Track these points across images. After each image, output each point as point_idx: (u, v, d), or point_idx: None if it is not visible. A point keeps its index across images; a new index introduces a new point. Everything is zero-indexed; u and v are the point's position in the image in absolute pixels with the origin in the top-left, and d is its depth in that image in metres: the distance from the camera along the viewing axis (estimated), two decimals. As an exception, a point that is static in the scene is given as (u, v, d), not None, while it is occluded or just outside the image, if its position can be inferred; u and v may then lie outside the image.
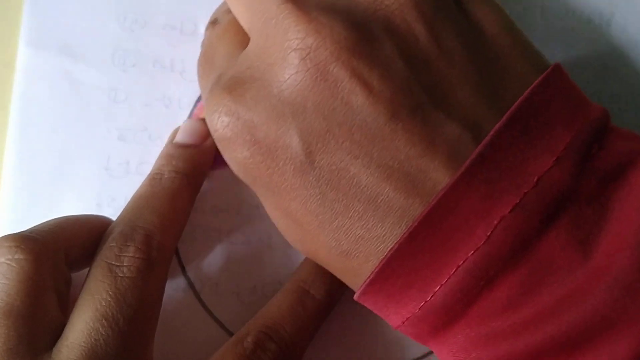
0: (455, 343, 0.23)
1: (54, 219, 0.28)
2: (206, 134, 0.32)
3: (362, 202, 0.22)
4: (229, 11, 0.28)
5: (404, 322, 0.23)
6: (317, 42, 0.22)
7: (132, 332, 0.25)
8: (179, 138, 0.32)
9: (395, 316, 0.24)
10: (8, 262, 0.24)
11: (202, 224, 0.33)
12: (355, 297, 0.24)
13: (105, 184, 0.33)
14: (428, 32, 0.23)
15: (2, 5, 0.34)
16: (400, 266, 0.22)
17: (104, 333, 0.24)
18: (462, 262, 0.21)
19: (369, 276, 0.23)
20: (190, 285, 0.32)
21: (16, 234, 0.25)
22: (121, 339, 0.24)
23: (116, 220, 0.28)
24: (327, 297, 0.30)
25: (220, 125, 0.24)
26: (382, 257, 0.22)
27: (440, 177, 0.22)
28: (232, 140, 0.24)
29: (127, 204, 0.29)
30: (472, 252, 0.21)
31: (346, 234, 0.23)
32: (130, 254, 0.26)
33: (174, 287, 0.32)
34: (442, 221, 0.21)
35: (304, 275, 0.31)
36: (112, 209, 0.32)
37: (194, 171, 0.31)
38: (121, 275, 0.25)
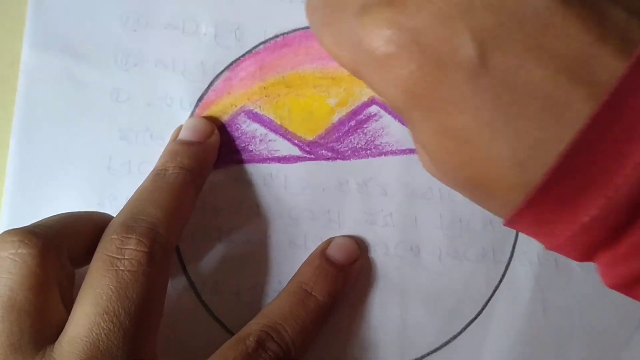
0: (632, 246, 0.21)
1: (57, 214, 0.28)
2: (209, 132, 0.32)
3: (539, 99, 0.21)
4: None
5: (575, 233, 0.22)
6: None
7: (133, 326, 0.24)
8: (182, 135, 0.32)
9: (564, 227, 0.22)
10: (11, 256, 0.24)
11: (203, 223, 0.33)
12: (514, 211, 0.22)
13: (107, 183, 0.33)
14: None
15: (6, 7, 0.35)
16: (581, 160, 0.20)
17: (105, 327, 0.24)
18: None
19: (543, 178, 0.21)
20: (191, 284, 0.33)
21: (19, 228, 0.25)
22: (123, 333, 0.24)
23: (118, 213, 0.28)
24: (329, 298, 0.30)
25: (383, 41, 0.22)
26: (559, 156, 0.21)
27: (613, 63, 0.20)
28: (395, 55, 0.22)
29: (130, 198, 0.29)
30: None
31: (522, 139, 0.21)
32: (132, 247, 0.26)
33: (174, 286, 0.32)
34: (623, 107, 0.20)
35: (306, 276, 0.31)
36: (113, 208, 0.33)
37: (198, 168, 0.31)
38: (122, 268, 0.25)
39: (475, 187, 0.24)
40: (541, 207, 0.22)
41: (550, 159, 0.21)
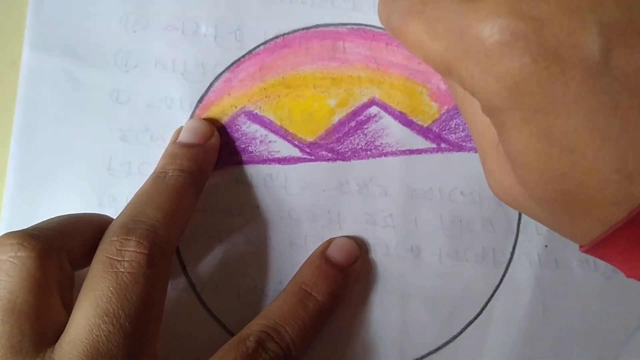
0: None
1: (57, 217, 0.28)
2: (209, 133, 0.32)
3: None
4: None
5: None
6: None
7: (133, 328, 0.24)
8: (182, 137, 0.32)
9: None
10: (11, 259, 0.24)
11: (203, 224, 0.33)
12: (611, 230, 0.21)
13: (107, 184, 0.33)
14: None
15: (6, 8, 0.35)
16: None
17: (105, 329, 0.24)
18: None
19: None
20: (191, 285, 0.33)
21: (19, 231, 0.25)
22: (123, 335, 0.24)
23: (118, 216, 0.28)
24: (329, 299, 0.30)
25: (497, 29, 0.20)
26: None
27: None
28: (509, 45, 0.20)
29: (130, 201, 0.29)
30: None
31: (637, 149, 0.20)
32: (132, 249, 0.26)
33: (175, 287, 0.32)
34: None
35: (306, 277, 0.31)
36: (113, 209, 0.33)
37: (198, 170, 0.31)
38: (122, 270, 0.25)
39: (568, 202, 0.22)
40: None
41: None
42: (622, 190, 0.20)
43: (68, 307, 0.26)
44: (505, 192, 0.25)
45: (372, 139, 0.33)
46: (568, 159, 0.21)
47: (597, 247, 0.21)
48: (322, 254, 0.32)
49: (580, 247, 0.22)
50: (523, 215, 0.33)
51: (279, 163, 0.33)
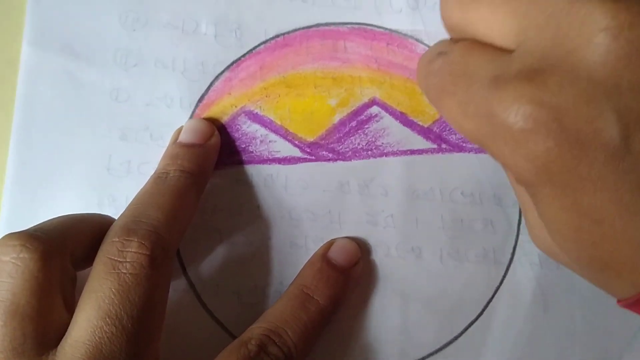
0: None
1: (58, 217, 0.27)
2: (210, 133, 0.32)
3: None
4: (453, 42, 0.27)
5: None
6: (630, 19, 0.21)
7: (136, 329, 0.24)
8: (183, 137, 0.32)
9: None
10: (13, 261, 0.24)
11: (203, 224, 0.33)
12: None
13: (106, 183, 0.33)
14: None
15: (5, 6, 0.34)
16: None
17: (107, 331, 0.24)
18: None
19: None
20: (191, 285, 0.32)
21: (21, 232, 0.25)
22: (125, 337, 0.24)
23: (119, 216, 0.28)
24: (330, 301, 0.30)
25: (521, 117, 0.22)
26: None
27: None
28: (533, 132, 0.22)
29: (131, 201, 0.29)
30: None
31: None
32: (134, 250, 0.25)
33: (175, 288, 0.32)
34: None
35: (307, 280, 0.31)
36: (113, 208, 0.33)
37: (199, 170, 0.31)
38: (124, 272, 0.25)
39: (601, 267, 0.23)
40: None
41: None
42: None
43: (70, 308, 0.25)
44: (547, 247, 0.26)
45: (373, 139, 0.33)
46: (598, 231, 0.22)
47: (632, 306, 0.23)
48: (323, 256, 0.32)
49: (618, 301, 0.23)
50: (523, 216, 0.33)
51: (280, 163, 0.33)
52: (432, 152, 0.33)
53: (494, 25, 0.25)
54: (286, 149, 0.33)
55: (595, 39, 0.21)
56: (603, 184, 0.21)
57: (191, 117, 0.33)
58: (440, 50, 0.27)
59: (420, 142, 0.33)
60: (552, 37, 0.22)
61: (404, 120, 0.33)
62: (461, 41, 0.26)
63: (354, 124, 0.33)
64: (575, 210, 0.23)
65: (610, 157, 0.21)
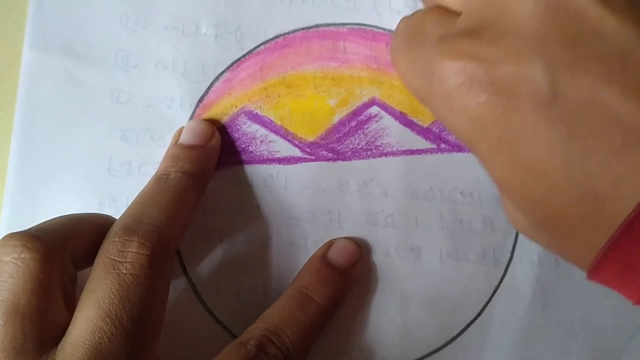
0: None
1: (59, 217, 0.28)
2: (210, 134, 0.32)
3: (620, 133, 0.20)
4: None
5: None
6: None
7: (136, 329, 0.25)
8: (183, 139, 0.32)
9: None
10: (14, 261, 0.24)
11: (203, 224, 0.33)
12: (599, 255, 0.21)
13: (107, 184, 0.33)
14: None
15: (6, 8, 0.35)
16: None
17: (107, 331, 0.24)
18: None
19: (629, 214, 0.20)
20: (191, 285, 0.33)
21: (22, 232, 0.25)
22: (125, 337, 0.24)
23: (120, 216, 0.28)
24: (329, 302, 0.31)
25: (455, 70, 0.23)
26: None
27: None
28: (466, 85, 0.23)
29: (132, 202, 0.29)
30: None
31: (601, 174, 0.20)
32: (134, 250, 0.26)
33: (175, 287, 0.32)
34: None
35: (306, 281, 0.31)
36: (113, 209, 0.33)
37: (200, 171, 0.31)
38: (124, 272, 0.25)
39: (556, 227, 0.23)
40: (629, 248, 0.20)
41: (635, 195, 0.20)
42: (597, 213, 0.21)
43: (71, 307, 0.26)
44: (517, 222, 0.26)
45: (373, 139, 0.33)
46: (541, 185, 0.22)
47: (597, 273, 0.22)
48: (323, 257, 0.32)
49: (587, 275, 0.23)
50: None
51: (280, 163, 0.33)
52: (431, 152, 0.33)
53: None
54: (286, 149, 0.33)
55: None
56: (536, 136, 0.22)
57: (191, 117, 0.33)
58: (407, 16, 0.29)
59: (420, 142, 0.33)
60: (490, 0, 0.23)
61: (404, 120, 0.33)
62: (426, 7, 0.27)
63: (353, 124, 0.33)
64: (517, 165, 0.23)
65: (540, 107, 0.21)
